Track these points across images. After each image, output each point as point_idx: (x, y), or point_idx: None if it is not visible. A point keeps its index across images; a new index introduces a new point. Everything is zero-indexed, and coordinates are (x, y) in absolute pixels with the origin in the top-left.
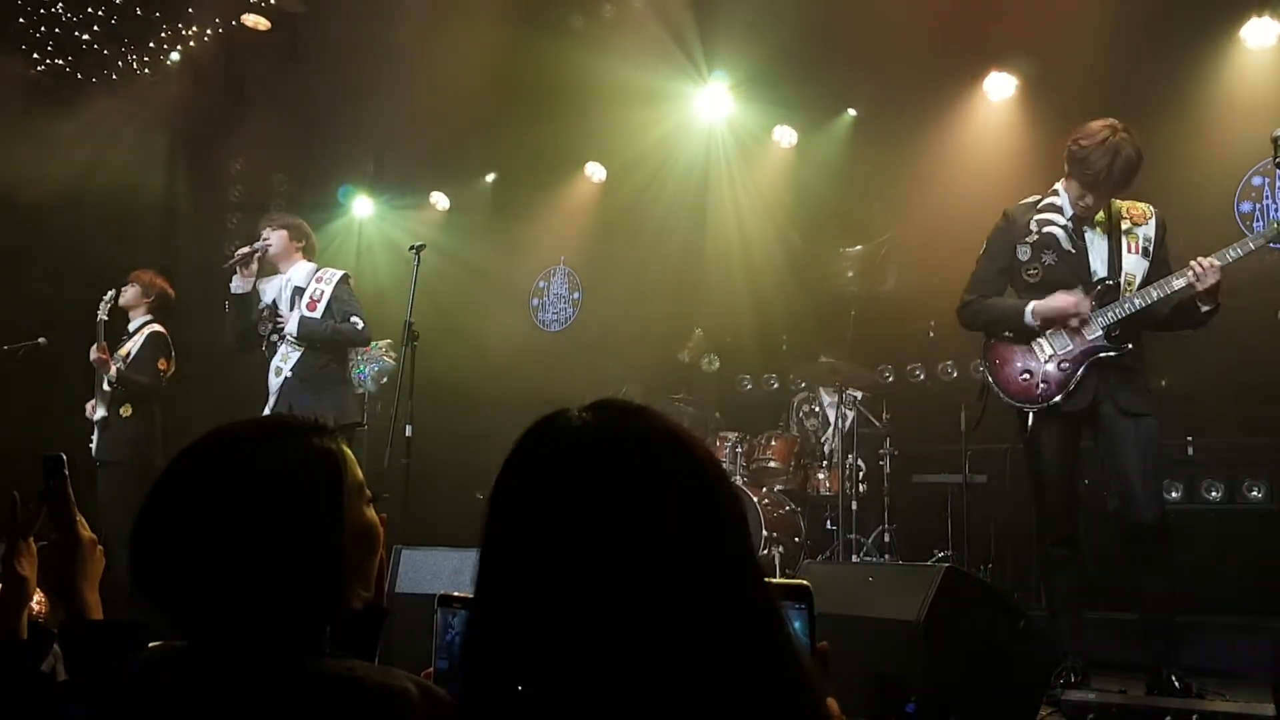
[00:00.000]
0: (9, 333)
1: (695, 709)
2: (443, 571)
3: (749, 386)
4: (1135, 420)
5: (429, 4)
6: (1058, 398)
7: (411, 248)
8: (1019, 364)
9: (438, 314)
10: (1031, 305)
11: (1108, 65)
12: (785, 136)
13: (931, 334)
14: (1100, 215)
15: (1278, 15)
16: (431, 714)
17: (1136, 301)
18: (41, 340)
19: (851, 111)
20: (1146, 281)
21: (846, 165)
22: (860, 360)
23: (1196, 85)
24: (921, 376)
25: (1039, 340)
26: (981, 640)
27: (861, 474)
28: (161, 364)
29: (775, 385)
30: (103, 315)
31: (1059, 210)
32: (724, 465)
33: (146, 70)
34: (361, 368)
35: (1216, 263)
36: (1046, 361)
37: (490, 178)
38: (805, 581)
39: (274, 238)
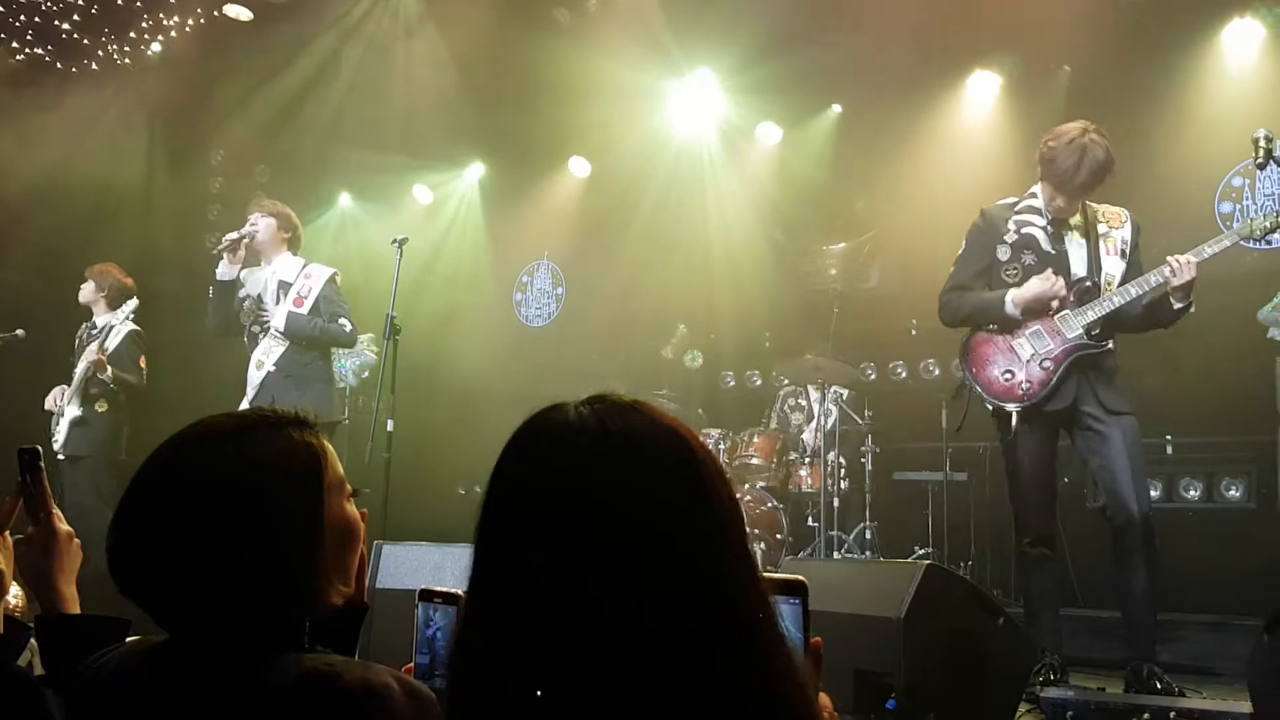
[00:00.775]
0: None
1: (688, 704)
2: (423, 567)
3: (732, 383)
4: (1119, 418)
5: None
6: (1040, 396)
7: (394, 241)
8: (1001, 365)
9: (420, 308)
10: (1010, 294)
11: (1090, 65)
12: (769, 133)
13: (914, 332)
14: (1077, 218)
15: (1259, 17)
16: (412, 709)
17: (1116, 299)
18: (20, 332)
19: (836, 108)
20: (1124, 282)
21: (830, 162)
22: (843, 358)
23: (1178, 86)
24: (904, 374)
25: (1020, 340)
26: (961, 637)
27: (843, 471)
28: (141, 361)
29: (758, 382)
30: (123, 320)
31: (1038, 212)
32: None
33: (127, 60)
34: (343, 362)
35: (1193, 259)
36: (1029, 361)
37: (474, 172)
38: (801, 577)
39: (262, 224)
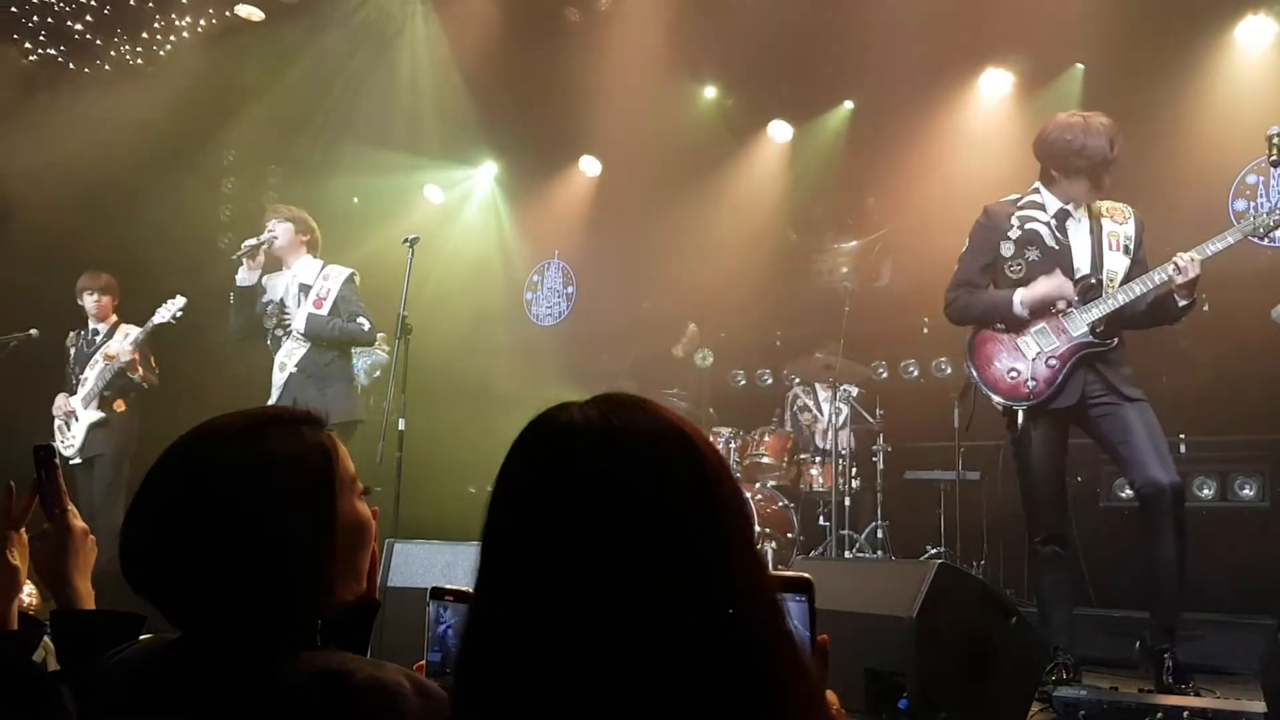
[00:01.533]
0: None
1: (695, 702)
2: (435, 565)
3: (742, 382)
4: (1133, 403)
5: None
6: (1046, 394)
7: (405, 240)
8: (1006, 362)
9: (431, 307)
10: (1019, 294)
11: (1103, 62)
12: (780, 131)
13: (925, 330)
14: (1081, 212)
15: (1273, 14)
16: (424, 708)
17: (1120, 297)
18: (34, 332)
19: (848, 105)
20: (1128, 279)
21: (842, 160)
22: (854, 356)
23: (1192, 83)
24: (915, 373)
25: (1025, 339)
26: (974, 637)
27: (855, 470)
28: (153, 361)
29: (769, 381)
30: (170, 318)
31: (1040, 208)
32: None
33: (139, 61)
34: (355, 361)
35: (1197, 257)
36: (1034, 359)
37: (485, 171)
38: (807, 574)
39: (279, 230)
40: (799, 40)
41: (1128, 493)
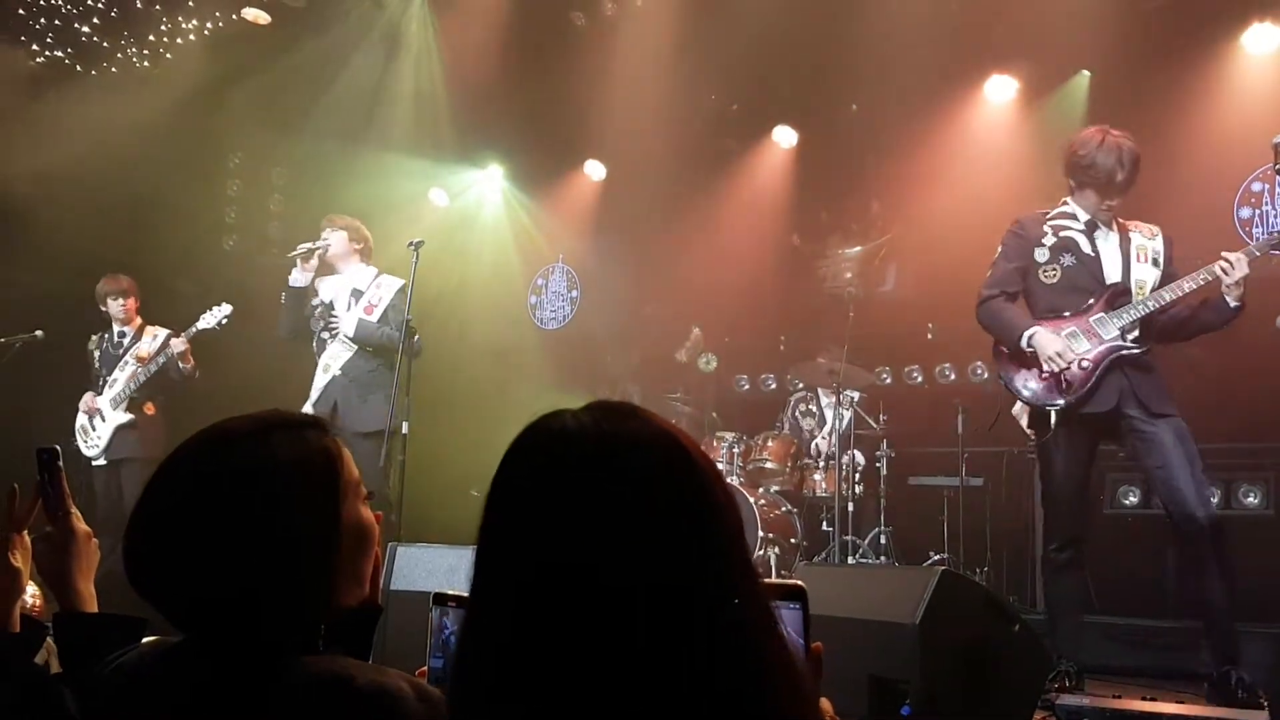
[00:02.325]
0: (3, 325)
1: (687, 709)
2: (438, 569)
3: (746, 387)
4: (1165, 420)
5: None
6: (1082, 394)
7: (410, 244)
8: (1032, 366)
9: (436, 310)
10: (1032, 331)
11: (1108, 69)
12: (785, 136)
13: (930, 336)
14: (1112, 226)
15: (1278, 21)
16: (426, 713)
17: (1150, 303)
18: (39, 333)
19: (853, 108)
20: (1157, 289)
21: (846, 166)
22: (858, 361)
23: (1198, 90)
24: (919, 378)
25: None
26: (977, 643)
27: (858, 475)
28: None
29: (773, 386)
30: (215, 325)
31: (1073, 217)
32: (720, 466)
33: (146, 63)
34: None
35: (1244, 256)
36: (1068, 362)
37: (490, 175)
38: (800, 582)
39: (333, 238)
40: (804, 45)
41: (1130, 500)
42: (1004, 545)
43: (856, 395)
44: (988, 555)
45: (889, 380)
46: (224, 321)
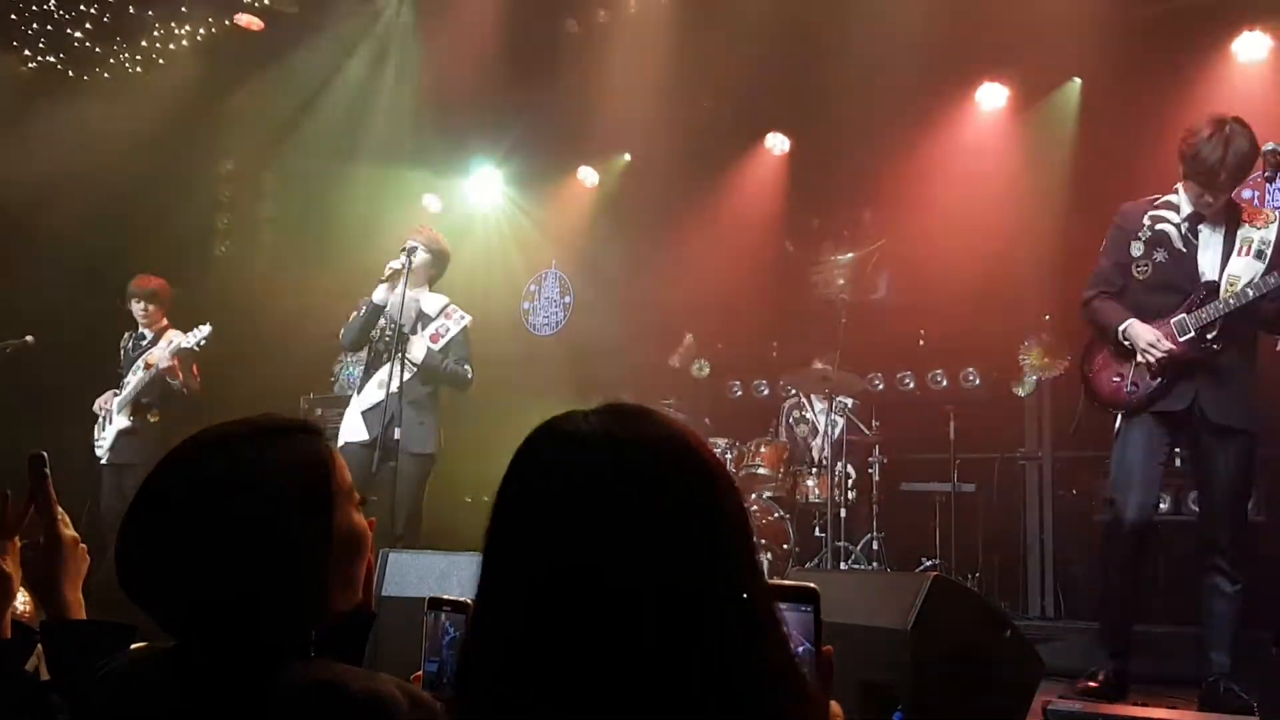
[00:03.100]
0: None
1: (696, 710)
2: (430, 575)
3: (739, 393)
4: (1226, 439)
5: (420, 3)
6: (1144, 398)
7: (403, 250)
8: (1113, 367)
9: None
10: (1127, 324)
11: (1100, 76)
12: (777, 143)
13: (921, 342)
14: (1219, 217)
15: (1269, 29)
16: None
17: (1231, 301)
18: (29, 339)
19: (845, 117)
20: (1250, 284)
21: (838, 173)
22: (850, 368)
23: (1188, 98)
24: (911, 385)
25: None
26: (969, 649)
27: (850, 481)
28: (195, 370)
29: (765, 392)
30: (194, 345)
31: (1174, 208)
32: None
33: (139, 69)
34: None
35: None
36: (1138, 364)
37: (483, 180)
38: (813, 584)
39: (418, 259)
40: (796, 52)
41: None
42: (996, 551)
43: (849, 401)
44: (979, 561)
45: (881, 386)
46: (203, 343)
